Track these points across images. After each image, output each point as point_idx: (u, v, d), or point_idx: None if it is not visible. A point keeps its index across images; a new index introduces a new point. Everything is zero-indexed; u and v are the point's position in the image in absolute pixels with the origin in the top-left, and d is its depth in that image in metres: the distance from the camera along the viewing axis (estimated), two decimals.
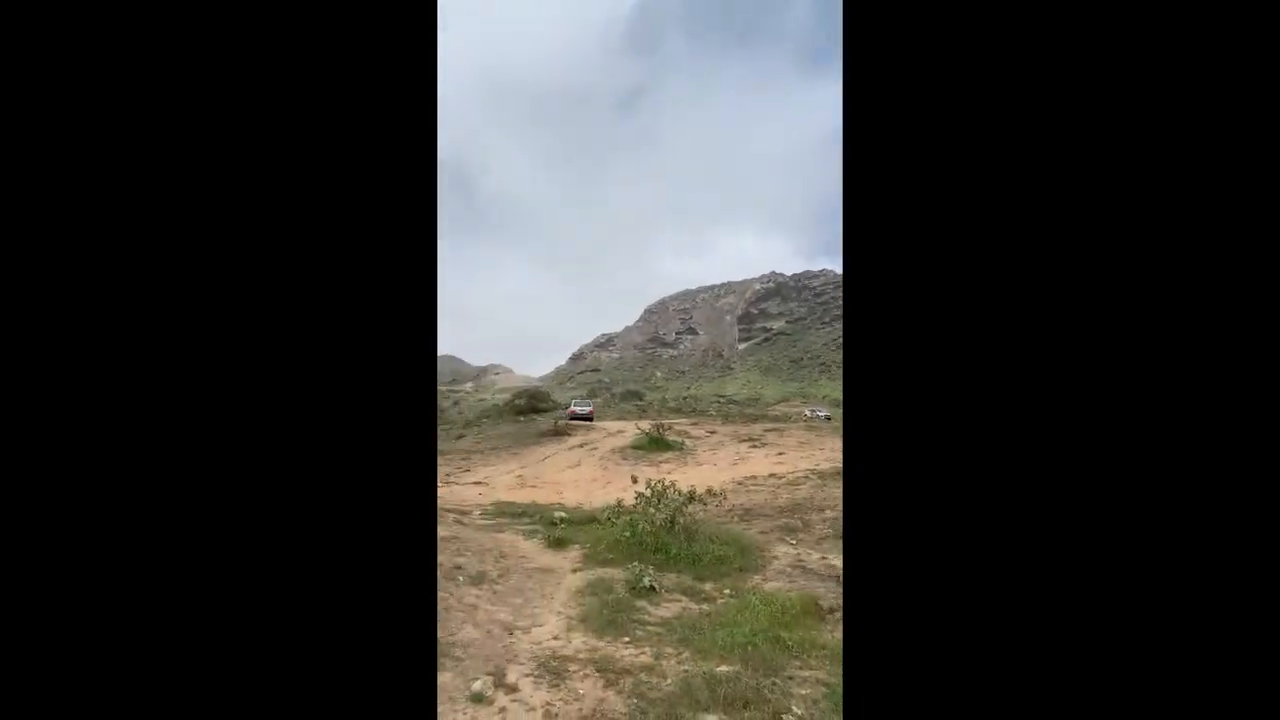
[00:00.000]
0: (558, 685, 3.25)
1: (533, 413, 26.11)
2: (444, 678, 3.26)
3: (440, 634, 3.78)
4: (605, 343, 77.67)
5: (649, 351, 71.81)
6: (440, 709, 2.97)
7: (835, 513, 7.91)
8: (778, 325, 65.60)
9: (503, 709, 3.01)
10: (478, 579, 4.92)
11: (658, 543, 5.88)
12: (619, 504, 6.98)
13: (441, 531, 6.21)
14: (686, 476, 10.83)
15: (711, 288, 78.39)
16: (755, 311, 67.97)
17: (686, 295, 79.06)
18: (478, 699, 3.07)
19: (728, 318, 70.42)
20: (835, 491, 9.51)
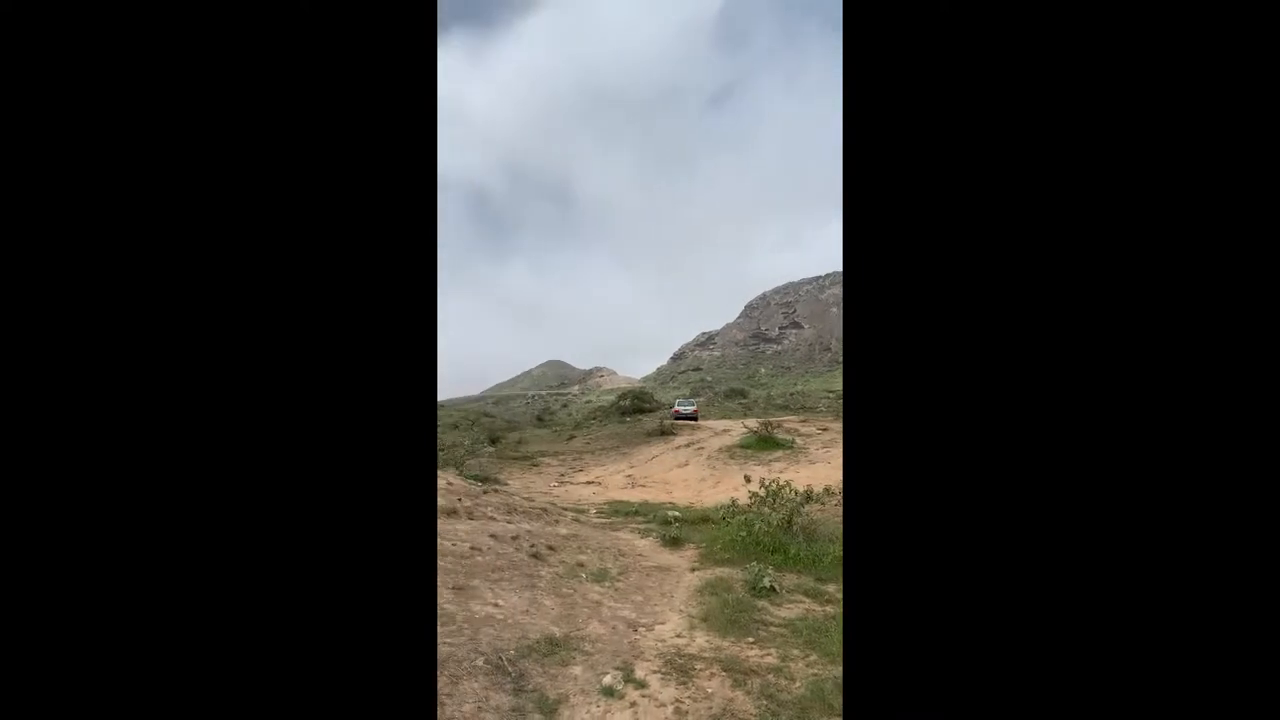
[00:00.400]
0: (685, 683, 3.28)
1: (637, 413, 26.52)
2: (575, 670, 3.39)
3: (568, 628, 3.93)
4: (706, 341, 77.24)
5: (751, 348, 70.58)
6: (573, 700, 3.09)
7: None
8: None
9: (634, 704, 3.08)
10: (599, 576, 5.07)
11: (775, 543, 5.77)
12: (733, 503, 6.93)
13: (561, 530, 6.46)
14: (800, 475, 10.55)
15: (815, 279, 75.73)
16: None
17: (789, 288, 76.88)
18: (609, 693, 3.16)
19: (834, 309, 67.76)
20: None
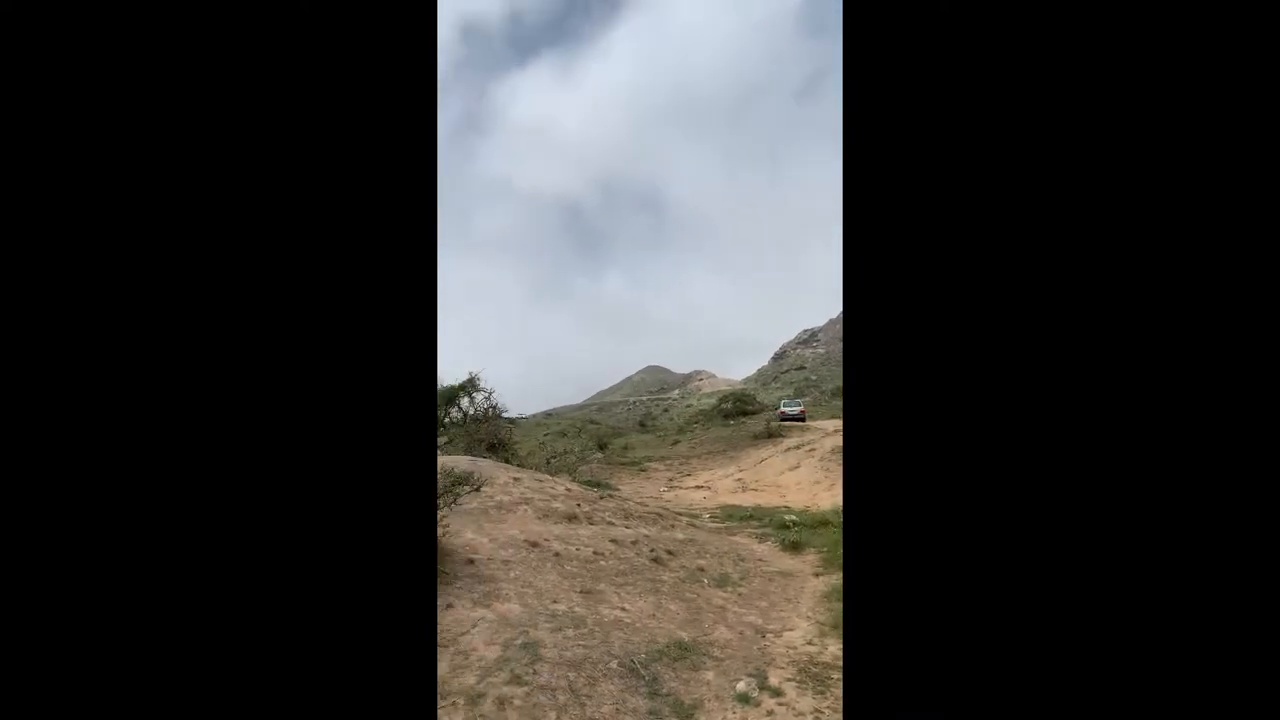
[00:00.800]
0: (823, 692, 3.18)
1: (740, 415, 26.11)
2: (708, 675, 3.38)
3: (695, 633, 3.93)
4: (808, 339, 74.85)
5: None
6: (709, 706, 3.08)
7: None
8: None
9: (770, 712, 3.02)
10: (721, 581, 5.04)
11: None
12: None
13: (678, 534, 6.48)
14: None
15: None
16: None
17: None
18: (744, 699, 3.12)
19: None
20: None
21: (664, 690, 3.16)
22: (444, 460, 6.59)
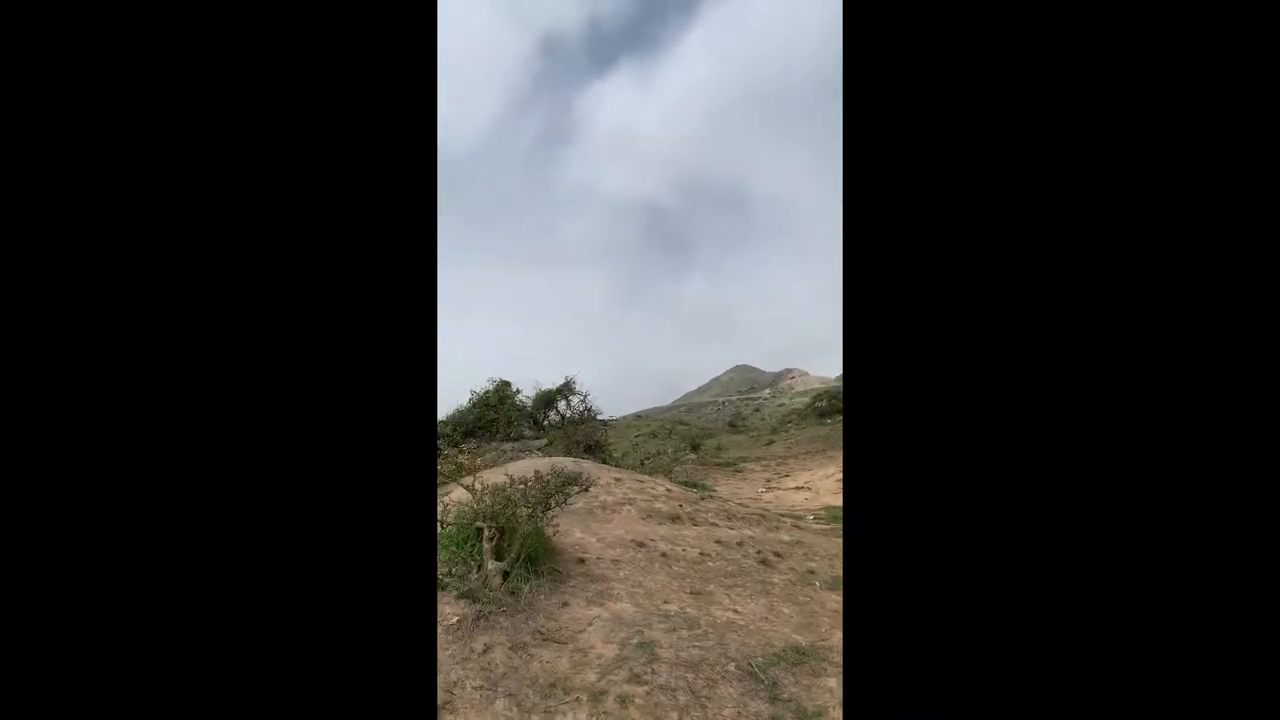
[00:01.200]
0: None
1: (837, 414, 25.19)
2: (828, 682, 3.26)
3: (812, 637, 3.81)
4: None
5: None
6: (833, 714, 2.97)
7: None
8: None
9: None
10: (834, 584, 4.86)
11: None
12: None
13: (783, 535, 6.33)
14: None
15: None
16: None
17: None
18: None
19: None
20: None
21: (785, 695, 3.08)
22: (551, 461, 6.79)
